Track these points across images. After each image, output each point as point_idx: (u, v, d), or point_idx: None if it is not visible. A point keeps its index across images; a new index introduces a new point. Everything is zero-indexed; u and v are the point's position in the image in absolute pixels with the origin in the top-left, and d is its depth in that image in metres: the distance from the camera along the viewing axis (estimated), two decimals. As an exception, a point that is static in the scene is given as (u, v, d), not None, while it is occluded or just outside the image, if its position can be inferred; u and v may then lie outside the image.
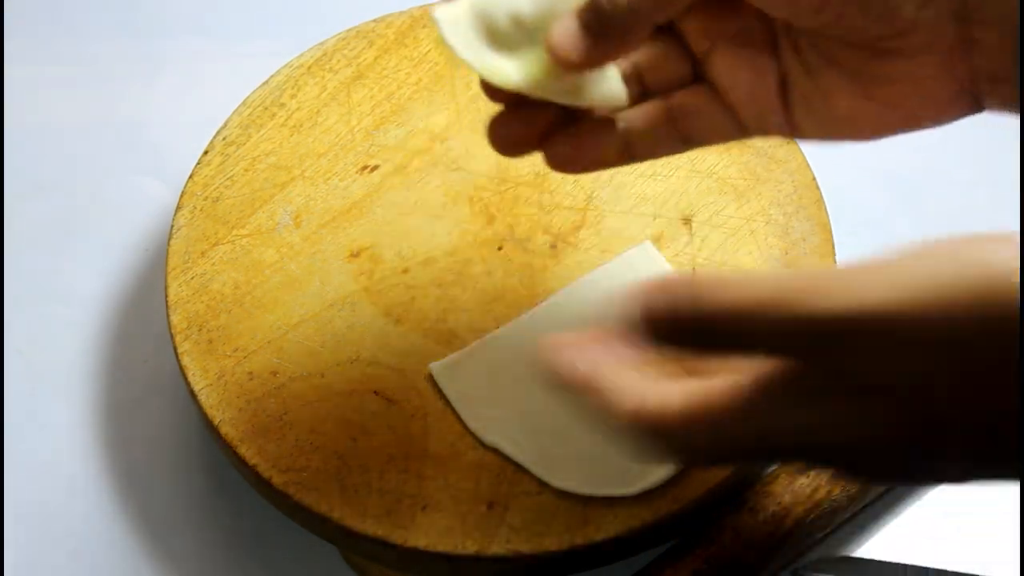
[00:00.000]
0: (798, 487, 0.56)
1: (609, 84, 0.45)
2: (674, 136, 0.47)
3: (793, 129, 0.45)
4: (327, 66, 0.67)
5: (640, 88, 0.47)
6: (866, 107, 0.43)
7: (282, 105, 0.65)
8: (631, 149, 0.47)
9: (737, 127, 0.46)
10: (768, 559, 0.55)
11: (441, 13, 0.44)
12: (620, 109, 0.46)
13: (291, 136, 0.65)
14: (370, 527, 0.53)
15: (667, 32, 0.46)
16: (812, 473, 0.56)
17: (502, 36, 0.44)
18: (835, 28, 0.42)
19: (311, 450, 0.55)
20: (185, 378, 0.57)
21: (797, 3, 0.41)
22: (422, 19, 0.68)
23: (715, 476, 0.54)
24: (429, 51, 0.67)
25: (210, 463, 0.62)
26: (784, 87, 0.45)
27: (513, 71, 0.43)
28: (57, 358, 0.66)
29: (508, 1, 0.43)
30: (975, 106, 0.42)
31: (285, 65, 0.67)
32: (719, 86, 0.46)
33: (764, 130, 0.45)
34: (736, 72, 0.45)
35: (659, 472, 0.54)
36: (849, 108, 0.43)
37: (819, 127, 0.44)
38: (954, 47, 0.41)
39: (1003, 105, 0.42)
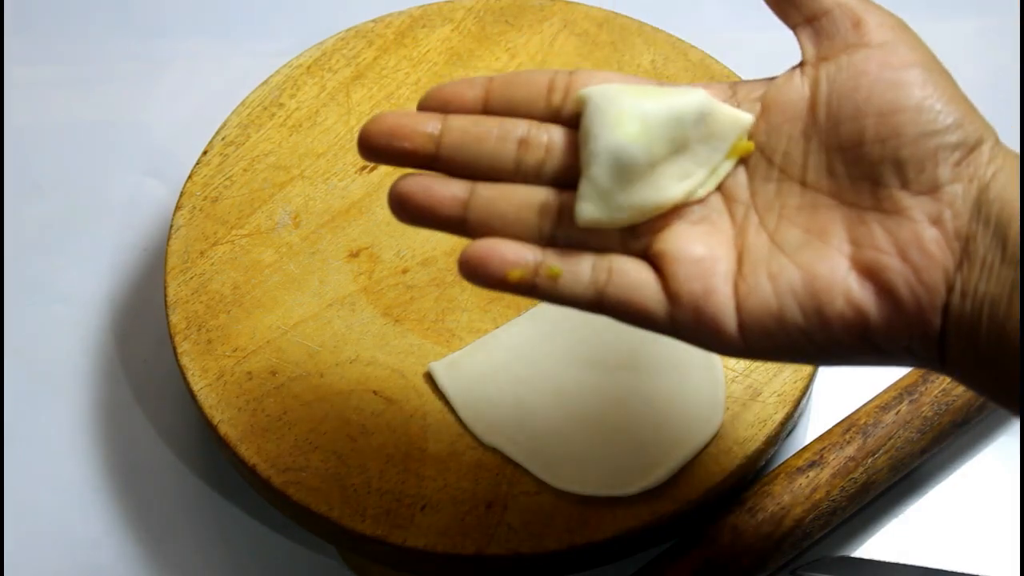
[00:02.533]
0: (797, 487, 0.56)
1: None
2: (589, 290, 0.44)
3: (739, 308, 0.43)
4: (326, 66, 0.67)
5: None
6: (845, 276, 0.42)
7: (281, 105, 0.65)
8: (541, 284, 0.44)
9: (661, 302, 0.43)
10: (767, 559, 0.55)
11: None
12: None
13: (290, 136, 0.65)
14: (369, 527, 0.53)
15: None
16: (811, 473, 0.56)
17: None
18: (880, 140, 0.42)
19: (310, 450, 0.55)
20: (184, 378, 0.57)
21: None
22: (421, 19, 0.69)
23: (715, 476, 0.54)
24: (428, 51, 0.67)
25: (210, 463, 0.62)
26: (740, 265, 0.43)
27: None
28: (57, 358, 0.66)
29: None
30: (939, 339, 0.41)
31: (284, 65, 0.67)
32: (664, 256, 0.44)
33: (697, 310, 0.43)
34: (685, 246, 0.44)
35: (658, 472, 0.54)
36: (826, 272, 0.42)
37: (778, 295, 0.42)
38: (959, 235, 0.41)
39: (961, 356, 0.41)
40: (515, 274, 0.44)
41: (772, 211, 0.44)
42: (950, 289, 0.41)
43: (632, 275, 0.44)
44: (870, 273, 0.42)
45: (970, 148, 0.42)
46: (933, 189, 0.42)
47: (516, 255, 0.44)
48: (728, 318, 0.43)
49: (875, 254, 0.42)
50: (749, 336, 0.43)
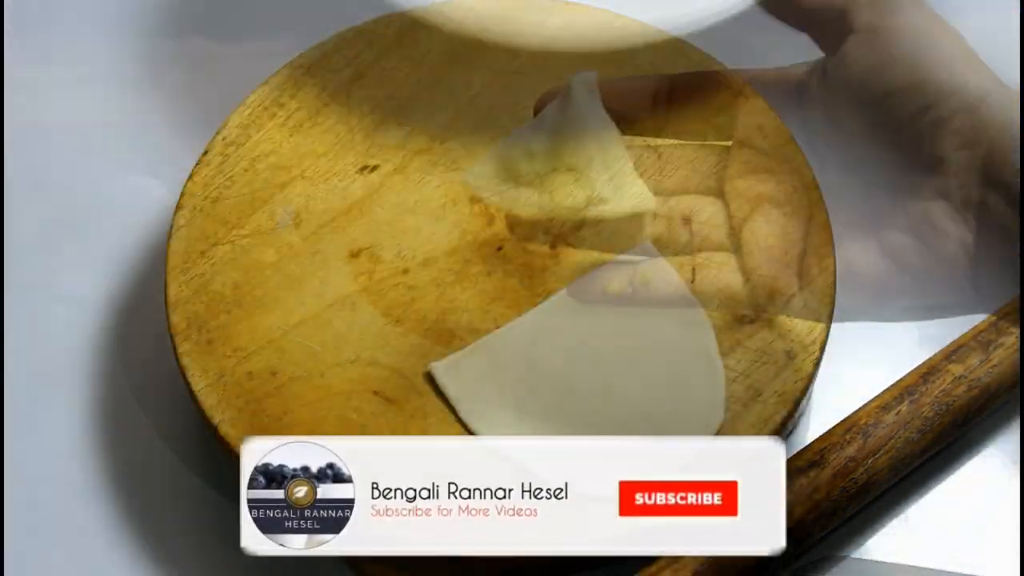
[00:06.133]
0: (797, 487, 0.56)
1: (635, 192, 0.48)
2: (680, 288, 0.49)
3: (802, 288, 0.46)
4: (327, 66, 0.67)
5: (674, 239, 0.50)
6: (874, 260, 0.43)
7: (282, 105, 0.65)
8: (636, 291, 0.49)
9: (747, 291, 0.47)
10: (768, 559, 0.55)
11: (469, 175, 0.50)
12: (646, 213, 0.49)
13: (291, 136, 0.65)
14: (370, 527, 0.53)
15: (716, 196, 0.50)
16: (812, 474, 0.56)
17: (524, 174, 0.49)
18: (879, 125, 0.42)
19: (311, 450, 0.55)
20: (184, 378, 0.57)
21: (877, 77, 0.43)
22: (422, 19, 0.68)
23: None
24: (429, 51, 0.67)
25: (210, 463, 0.62)
26: (805, 252, 0.46)
27: (537, 197, 0.49)
28: (57, 358, 0.66)
29: (522, 142, 0.49)
30: (973, 292, 0.43)
31: (285, 65, 0.67)
32: (745, 245, 0.47)
33: (772, 296, 0.47)
34: (765, 234, 0.47)
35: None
36: (859, 259, 0.44)
37: (822, 275, 0.45)
38: (968, 203, 0.41)
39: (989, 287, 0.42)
40: (612, 287, 0.49)
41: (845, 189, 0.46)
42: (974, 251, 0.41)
43: (714, 266, 0.48)
44: (891, 252, 0.42)
45: (971, 108, 0.41)
46: (938, 163, 0.41)
47: (611, 270, 0.49)
48: (795, 299, 0.47)
49: (895, 235, 0.42)
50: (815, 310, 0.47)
